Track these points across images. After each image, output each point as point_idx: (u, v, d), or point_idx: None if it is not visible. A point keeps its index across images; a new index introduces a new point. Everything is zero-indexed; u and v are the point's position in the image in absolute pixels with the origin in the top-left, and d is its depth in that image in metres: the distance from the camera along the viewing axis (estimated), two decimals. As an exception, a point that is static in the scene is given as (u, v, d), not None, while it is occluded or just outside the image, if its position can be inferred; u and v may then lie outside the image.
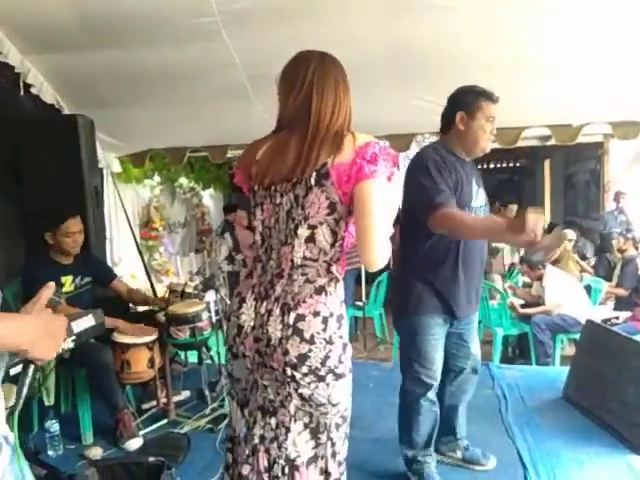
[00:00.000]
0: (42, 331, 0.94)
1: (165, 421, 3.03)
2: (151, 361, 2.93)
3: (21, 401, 1.00)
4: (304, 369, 1.33)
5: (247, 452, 1.44)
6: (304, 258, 1.36)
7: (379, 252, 1.32)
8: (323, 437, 1.40)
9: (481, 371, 3.72)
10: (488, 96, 2.18)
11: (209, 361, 3.47)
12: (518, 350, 4.82)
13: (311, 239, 1.36)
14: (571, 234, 5.94)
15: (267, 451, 1.42)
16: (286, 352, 1.33)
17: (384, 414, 3.03)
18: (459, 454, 2.54)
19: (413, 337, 2.22)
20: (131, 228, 4.60)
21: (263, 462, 1.41)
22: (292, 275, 1.37)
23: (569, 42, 3.04)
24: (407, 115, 3.82)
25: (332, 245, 1.37)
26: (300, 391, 1.35)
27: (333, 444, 1.42)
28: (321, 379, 1.34)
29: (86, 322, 2.57)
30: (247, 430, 1.47)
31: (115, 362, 2.84)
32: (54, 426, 2.70)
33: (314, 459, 1.40)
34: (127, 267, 4.76)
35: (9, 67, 3.18)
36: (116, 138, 4.21)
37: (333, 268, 1.38)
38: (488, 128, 2.18)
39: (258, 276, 1.45)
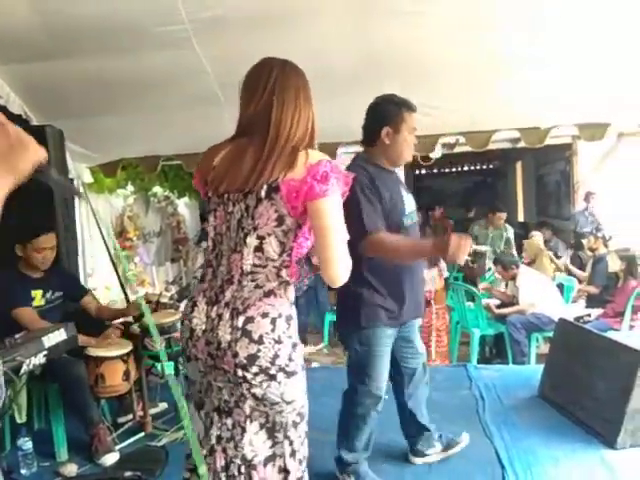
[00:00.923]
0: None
1: (142, 434, 2.98)
2: (126, 374, 2.88)
3: None
4: (254, 369, 1.36)
5: (204, 452, 1.47)
6: (253, 265, 1.40)
7: (339, 269, 1.38)
8: (280, 436, 1.43)
9: (459, 372, 3.81)
10: (409, 107, 2.22)
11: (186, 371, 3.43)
12: (495, 350, 4.89)
13: (259, 249, 1.40)
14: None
15: (224, 451, 1.45)
16: (236, 354, 1.36)
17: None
18: (438, 446, 2.58)
19: (366, 351, 2.22)
20: (104, 239, 4.53)
21: (220, 462, 1.44)
22: (242, 281, 1.41)
23: (536, 47, 3.11)
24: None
25: (280, 254, 1.41)
26: (253, 391, 1.38)
27: (291, 442, 1.44)
28: (272, 378, 1.37)
29: (58, 336, 2.54)
30: (203, 432, 1.49)
31: (89, 376, 2.78)
32: (27, 444, 2.63)
33: (272, 458, 1.43)
34: (101, 278, 4.69)
35: (-27, 78, 3.11)
36: (87, 148, 4.15)
37: (283, 272, 1.42)
38: (411, 140, 2.24)
39: (209, 281, 1.48)
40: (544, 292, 4.52)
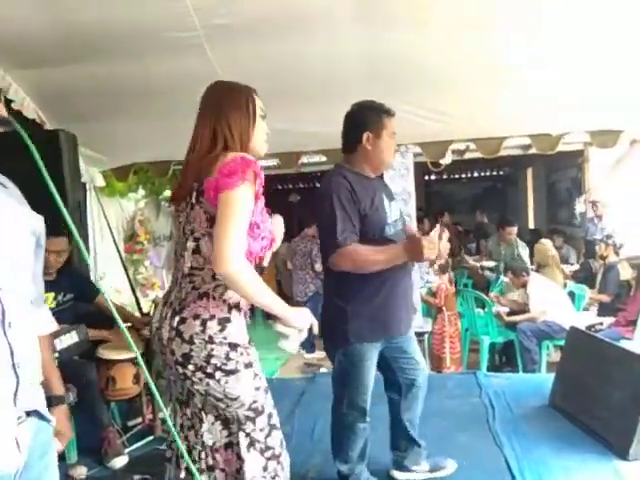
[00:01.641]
0: None
1: (151, 438, 2.99)
2: (136, 377, 2.89)
3: None
4: (191, 367, 1.44)
5: (169, 438, 1.60)
6: (191, 268, 1.49)
7: (226, 257, 1.36)
8: (234, 427, 1.50)
9: (468, 380, 3.79)
10: (387, 112, 2.19)
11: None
12: (505, 358, 4.85)
13: (196, 250, 1.49)
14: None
15: (186, 438, 1.55)
16: (172, 352, 1.46)
17: (372, 426, 3.02)
18: (425, 465, 2.48)
19: (353, 365, 2.19)
20: (115, 242, 4.56)
21: (183, 448, 1.50)
22: (182, 283, 1.51)
23: (548, 53, 3.10)
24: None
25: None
26: (196, 387, 1.47)
27: (247, 434, 1.49)
28: (209, 376, 1.44)
29: (69, 339, 2.56)
30: (173, 419, 1.60)
31: (100, 379, 2.80)
32: (37, 446, 2.65)
33: (230, 445, 1.51)
34: (111, 282, 4.71)
35: (-11, 82, 3.16)
36: (99, 152, 4.19)
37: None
38: (392, 144, 2.21)
39: (169, 285, 1.62)
40: (555, 300, 4.48)
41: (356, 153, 2.20)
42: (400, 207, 2.36)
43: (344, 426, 2.31)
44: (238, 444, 1.49)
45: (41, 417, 1.09)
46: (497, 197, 12.81)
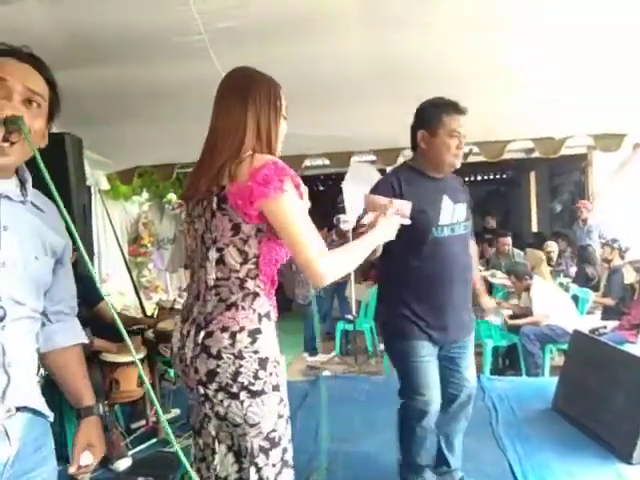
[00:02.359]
0: None
1: (154, 440, 3.00)
2: (140, 379, 2.90)
3: None
4: (214, 385, 1.30)
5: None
6: (216, 279, 1.35)
7: (316, 266, 1.27)
8: (246, 462, 1.33)
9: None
10: (452, 108, 2.11)
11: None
12: (508, 361, 4.84)
13: (221, 261, 1.35)
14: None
15: (199, 470, 1.42)
16: (196, 370, 1.33)
17: (376, 428, 3.03)
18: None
19: (404, 363, 2.15)
20: (119, 245, 4.59)
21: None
22: (206, 297, 1.36)
23: (550, 56, 3.11)
24: (393, 130, 3.85)
25: (242, 264, 1.34)
26: (215, 409, 1.32)
27: (258, 470, 1.32)
28: (233, 396, 1.29)
29: (73, 341, 2.54)
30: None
31: (103, 381, 2.81)
32: (41, 447, 2.66)
33: None
34: (115, 284, 4.73)
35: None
36: (104, 155, 4.22)
37: (248, 284, 1.34)
38: (453, 144, 2.10)
39: (186, 298, 1.49)
40: (558, 303, 4.47)
41: (416, 152, 2.19)
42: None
43: (404, 429, 2.23)
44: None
45: (35, 413, 1.13)
46: (500, 200, 12.79)
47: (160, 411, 1.25)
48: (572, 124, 3.96)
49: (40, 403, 1.15)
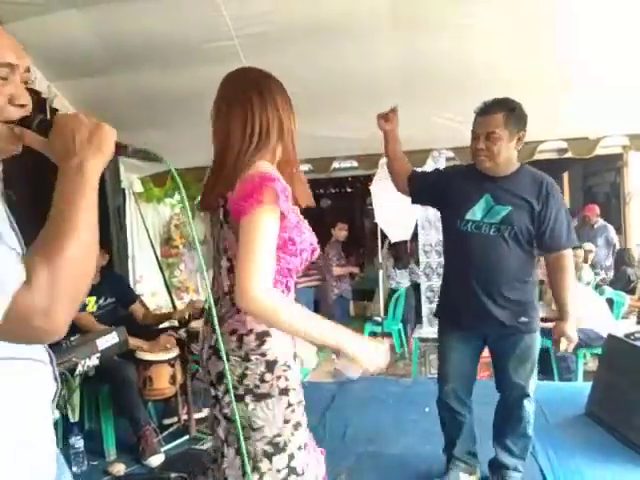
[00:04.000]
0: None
1: (186, 437, 3.06)
2: (173, 378, 2.97)
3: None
4: (222, 387, 1.32)
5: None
6: (230, 285, 1.35)
7: (244, 286, 1.19)
8: (249, 467, 1.28)
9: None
10: (478, 112, 2.21)
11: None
12: (540, 365, 4.75)
13: (231, 270, 1.35)
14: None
15: (212, 470, 1.42)
16: (209, 372, 1.36)
17: (404, 430, 3.03)
18: (477, 473, 2.48)
19: (438, 341, 2.47)
20: (152, 246, 4.69)
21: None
22: (222, 301, 1.39)
23: (583, 55, 3.06)
24: (423, 131, 3.85)
25: None
26: (224, 412, 1.33)
27: (261, 475, 1.29)
28: (239, 399, 1.27)
29: (110, 339, 2.65)
30: None
31: (138, 379, 2.89)
32: (79, 442, 2.75)
33: None
34: (148, 285, 4.84)
35: (36, 93, 3.30)
36: (138, 159, 4.31)
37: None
38: (472, 144, 2.20)
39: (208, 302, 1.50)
40: (592, 307, 4.38)
41: None
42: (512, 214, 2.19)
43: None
44: None
45: None
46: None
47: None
48: (607, 124, 3.87)
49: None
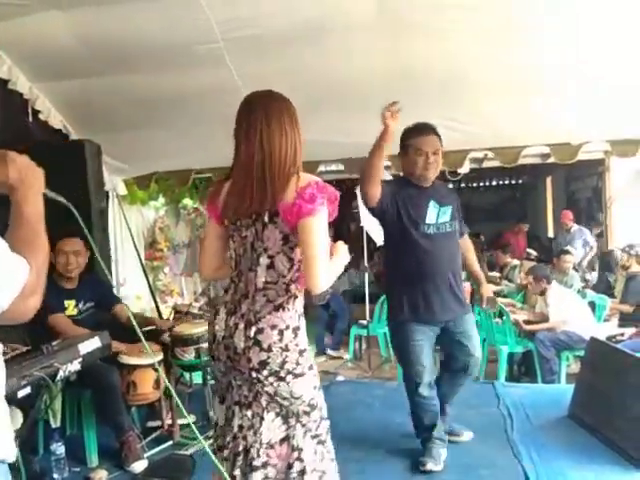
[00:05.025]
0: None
1: (170, 443, 3.03)
2: (157, 382, 2.94)
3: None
4: (265, 372, 1.59)
5: (227, 439, 1.70)
6: (265, 282, 1.61)
7: (321, 278, 1.53)
8: (292, 421, 1.65)
9: (486, 390, 3.76)
10: (418, 131, 2.59)
11: (213, 382, 3.47)
12: (524, 368, 4.80)
13: (271, 266, 1.61)
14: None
15: (244, 438, 1.66)
16: (249, 360, 1.59)
17: (389, 433, 3.03)
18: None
19: (399, 342, 2.67)
20: (136, 249, 4.64)
21: (240, 447, 1.66)
22: (255, 297, 1.62)
23: (567, 62, 3.10)
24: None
25: (289, 269, 1.62)
26: (266, 389, 1.61)
27: (303, 425, 1.66)
28: (281, 379, 1.60)
29: (93, 344, 2.61)
30: (225, 421, 1.73)
31: (121, 383, 2.85)
32: (60, 448, 2.70)
33: (286, 438, 1.65)
34: (132, 288, 4.79)
35: (18, 94, 3.26)
36: (122, 161, 4.28)
37: (292, 287, 1.62)
38: (420, 160, 2.56)
39: (231, 294, 1.70)
40: (575, 310, 4.43)
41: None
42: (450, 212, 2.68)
43: (409, 399, 2.68)
44: (294, 436, 1.65)
45: None
46: (516, 206, 12.70)
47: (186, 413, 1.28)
48: (589, 130, 3.93)
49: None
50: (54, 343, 2.38)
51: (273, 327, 1.58)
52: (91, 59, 3.07)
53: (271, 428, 1.65)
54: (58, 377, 2.24)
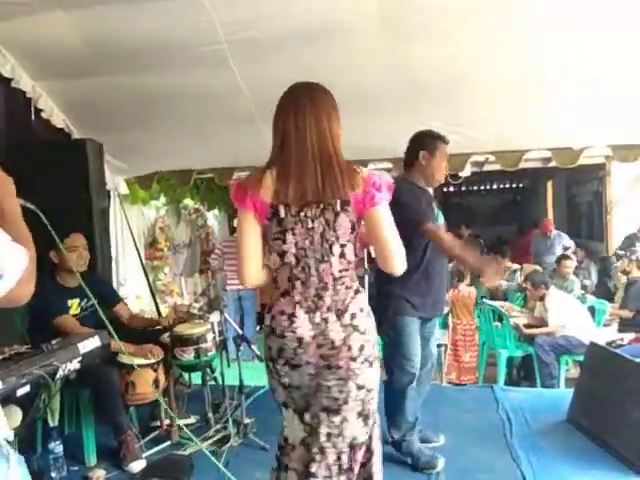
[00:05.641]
0: None
1: (168, 443, 3.02)
2: (156, 382, 2.93)
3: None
4: (361, 359, 1.58)
5: (314, 450, 1.61)
6: (339, 271, 1.60)
7: (401, 258, 1.61)
8: (370, 421, 1.64)
9: (485, 393, 3.76)
10: (443, 139, 2.73)
11: (213, 382, 3.47)
12: (523, 372, 4.80)
13: (342, 255, 1.60)
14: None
15: (334, 446, 1.60)
16: (350, 348, 1.57)
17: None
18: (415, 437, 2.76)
19: (397, 336, 2.66)
20: (137, 249, 4.64)
21: (332, 456, 1.60)
22: (335, 286, 1.60)
23: (568, 66, 3.11)
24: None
25: (355, 256, 1.64)
26: (357, 382, 1.58)
27: (374, 424, 1.66)
28: (371, 365, 1.61)
29: (92, 343, 2.61)
30: (307, 435, 1.63)
31: (120, 383, 2.84)
32: (58, 447, 2.69)
33: (366, 440, 1.64)
34: (132, 287, 4.78)
35: (21, 92, 3.26)
36: (124, 161, 4.28)
37: (357, 271, 1.68)
38: (444, 166, 2.76)
39: (300, 293, 1.62)
40: (574, 314, 4.43)
41: (413, 168, 2.73)
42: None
43: (397, 393, 2.69)
44: (371, 437, 1.65)
45: None
46: (516, 209, 12.70)
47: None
48: (590, 134, 3.93)
49: None
50: (54, 342, 2.39)
51: (362, 310, 1.62)
52: (94, 59, 3.08)
53: (355, 431, 1.61)
54: (58, 376, 2.24)
